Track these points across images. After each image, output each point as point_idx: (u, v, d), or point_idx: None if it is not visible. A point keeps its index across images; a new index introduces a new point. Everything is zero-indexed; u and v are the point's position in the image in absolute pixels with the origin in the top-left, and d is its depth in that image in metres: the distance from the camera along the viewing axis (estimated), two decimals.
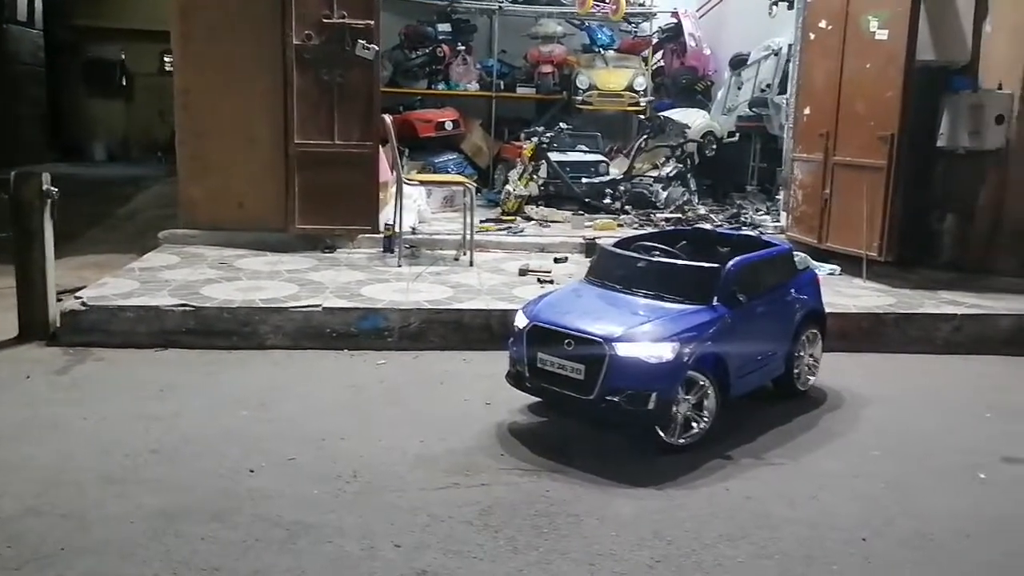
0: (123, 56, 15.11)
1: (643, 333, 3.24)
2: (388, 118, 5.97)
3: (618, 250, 3.82)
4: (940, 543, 2.74)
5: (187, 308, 4.46)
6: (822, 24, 6.05)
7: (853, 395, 4.02)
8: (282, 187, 5.91)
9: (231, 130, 5.93)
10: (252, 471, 3.06)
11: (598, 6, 9.29)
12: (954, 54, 5.78)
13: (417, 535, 2.67)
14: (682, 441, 3.30)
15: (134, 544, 2.57)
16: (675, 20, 9.69)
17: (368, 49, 5.75)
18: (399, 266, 5.61)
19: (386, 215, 6.16)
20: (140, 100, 15.00)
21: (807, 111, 6.29)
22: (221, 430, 3.42)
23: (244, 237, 5.94)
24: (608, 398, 3.19)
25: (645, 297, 3.50)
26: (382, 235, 6.04)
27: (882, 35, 5.45)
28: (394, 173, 5.92)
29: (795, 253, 4.09)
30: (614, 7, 9.21)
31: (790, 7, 7.38)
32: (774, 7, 7.97)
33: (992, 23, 5.72)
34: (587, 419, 3.47)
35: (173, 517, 2.73)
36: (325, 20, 5.70)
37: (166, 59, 12.25)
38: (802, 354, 3.91)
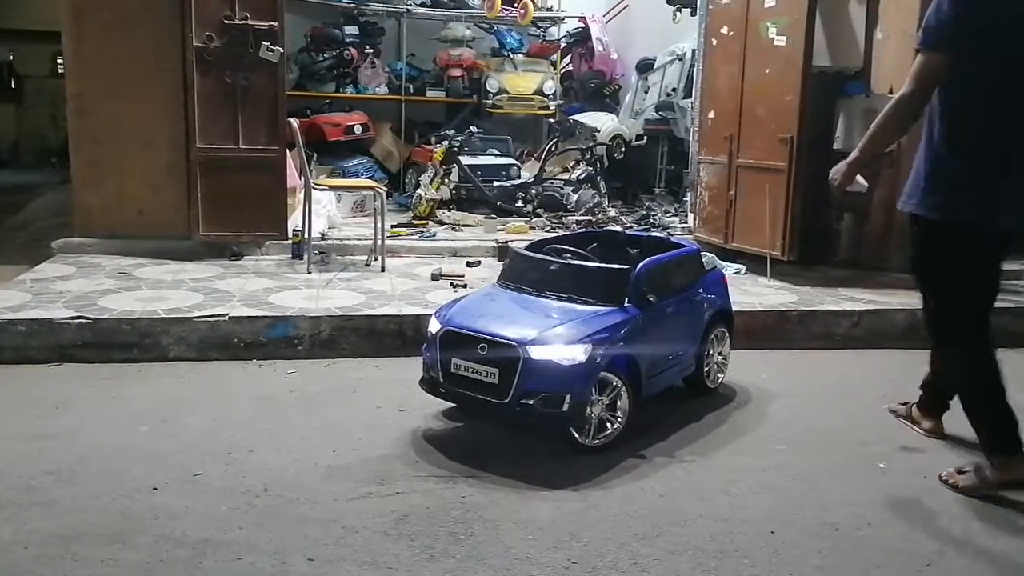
0: (11, 57, 14.43)
1: (556, 336, 3.25)
2: (295, 122, 5.85)
3: (530, 253, 3.82)
4: (844, 532, 2.83)
5: (83, 320, 4.26)
6: (724, 30, 6.22)
7: (760, 391, 4.13)
8: (184, 193, 5.73)
9: (129, 134, 5.72)
10: (155, 489, 2.94)
11: (506, 10, 9.34)
12: (847, 60, 6.01)
13: (331, 548, 2.61)
14: (597, 442, 3.32)
15: (28, 571, 2.43)
16: (582, 25, 9.82)
17: (272, 51, 5.62)
18: (309, 272, 5.50)
19: (295, 221, 6.04)
20: (31, 104, 14.36)
21: (711, 115, 6.44)
22: (121, 447, 3.28)
23: (145, 245, 5.73)
24: (523, 401, 3.19)
25: (558, 300, 3.51)
26: (291, 241, 5.92)
27: (780, 41, 5.63)
28: (302, 178, 5.80)
29: (703, 253, 4.18)
30: (522, 12, 9.27)
31: (693, 13, 7.56)
32: (677, 13, 8.16)
33: (882, 30, 5.97)
34: (502, 423, 3.46)
35: (71, 540, 2.59)
36: (227, 21, 5.55)
37: (58, 61, 11.74)
38: (711, 352, 4.00)
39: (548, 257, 3.76)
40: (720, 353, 4.08)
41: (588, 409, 3.26)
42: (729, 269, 5.57)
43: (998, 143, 3.02)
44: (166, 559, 2.52)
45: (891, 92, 5.93)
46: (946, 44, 2.93)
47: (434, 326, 3.47)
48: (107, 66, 5.66)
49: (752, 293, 5.35)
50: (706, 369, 3.97)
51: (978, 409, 3.17)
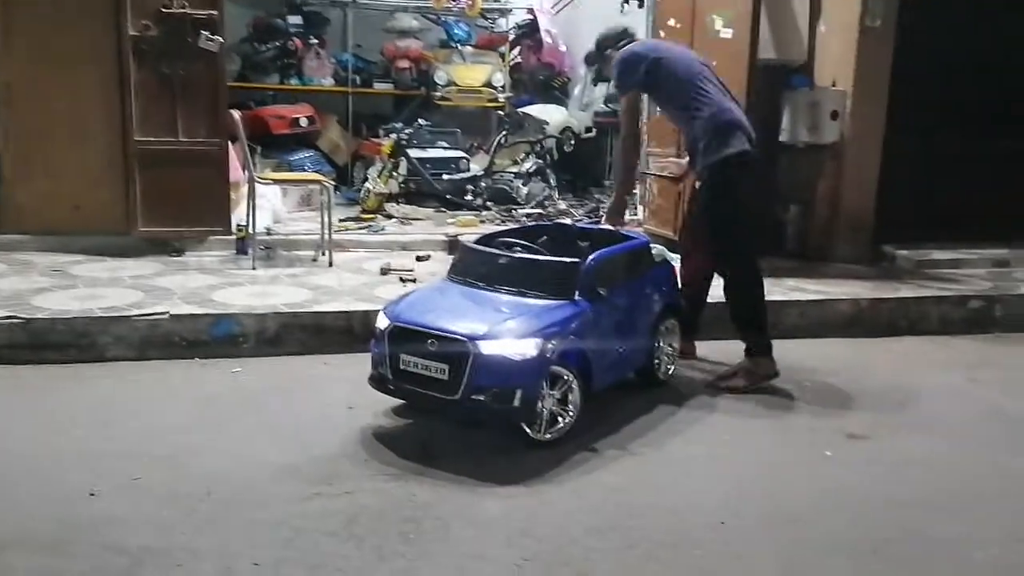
0: None
1: (507, 330, 3.22)
2: (237, 114, 5.72)
3: (479, 247, 3.78)
4: (793, 519, 2.85)
5: (15, 320, 4.10)
6: (671, 22, 6.23)
7: (710, 382, 4.15)
8: (122, 188, 5.56)
9: (63, 127, 5.52)
10: (92, 495, 2.84)
11: (454, 1, 9.25)
12: (792, 53, 6.06)
13: (278, 551, 2.54)
14: (548, 436, 3.30)
15: None
16: (531, 16, 9.79)
17: (212, 41, 5.48)
18: (253, 268, 5.38)
19: (238, 216, 5.90)
20: None
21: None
22: (57, 452, 3.16)
23: (81, 242, 5.54)
24: (473, 397, 3.15)
25: (508, 294, 3.48)
26: (234, 237, 5.78)
27: (727, 34, 5.66)
28: (245, 172, 5.67)
29: (652, 246, 4.18)
30: (470, 3, 9.20)
31: (640, 5, 7.57)
32: (625, 5, 8.14)
33: (825, 23, 6.04)
34: (453, 419, 3.42)
35: (3, 549, 2.49)
36: (164, 10, 5.38)
37: None
38: (662, 344, 4.00)
39: (498, 251, 3.72)
40: (671, 345, 4.09)
41: (539, 403, 3.23)
42: (679, 260, 5.58)
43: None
44: (103, 568, 2.43)
45: (834, 84, 6.02)
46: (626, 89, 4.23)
47: (382, 322, 3.41)
48: (39, 57, 5.45)
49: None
50: (657, 361, 3.97)
51: (754, 319, 4.07)
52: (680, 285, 4.23)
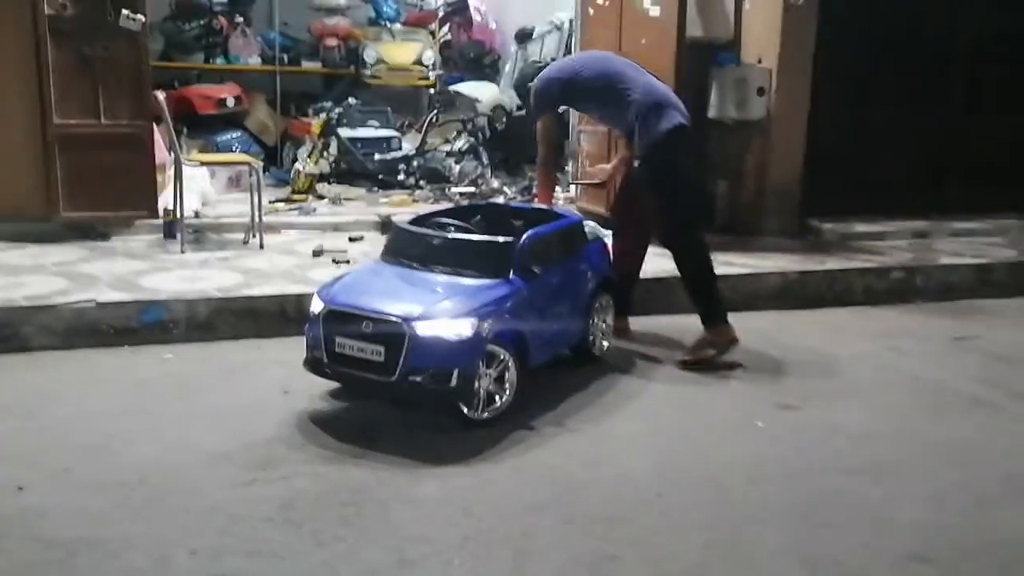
0: None
1: (442, 310, 3.22)
2: (162, 95, 5.57)
3: (413, 228, 3.77)
4: (727, 489, 2.94)
5: None
6: (600, 1, 6.26)
7: (644, 357, 4.23)
8: (42, 171, 5.38)
9: None
10: (21, 488, 2.77)
11: None
12: (718, 31, 6.15)
13: (214, 539, 2.52)
14: (486, 415, 3.32)
15: None
16: None
17: (133, 19, 5.31)
18: (182, 252, 5.27)
19: (165, 199, 5.77)
20: None
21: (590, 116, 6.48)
22: None
23: (1, 228, 5.35)
24: (410, 378, 3.15)
25: (442, 274, 3.48)
26: (162, 220, 5.65)
27: (655, 12, 5.71)
28: (171, 154, 5.54)
29: (585, 223, 4.22)
30: None
31: None
32: None
33: (750, 2, 6.14)
34: (390, 401, 3.42)
35: None
36: None
37: None
38: (596, 321, 4.06)
39: (431, 231, 3.71)
40: (605, 321, 4.15)
41: (476, 383, 3.25)
42: (611, 238, 5.64)
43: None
44: (35, 562, 2.39)
45: (760, 62, 6.14)
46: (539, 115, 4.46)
47: (316, 305, 3.39)
48: None
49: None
50: (592, 337, 4.02)
51: (705, 288, 4.20)
52: (613, 262, 4.29)
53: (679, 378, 4.00)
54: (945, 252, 6.05)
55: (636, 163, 4.25)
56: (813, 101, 6.18)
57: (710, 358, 4.13)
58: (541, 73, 4.47)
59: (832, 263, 5.61)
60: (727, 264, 5.42)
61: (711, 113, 6.19)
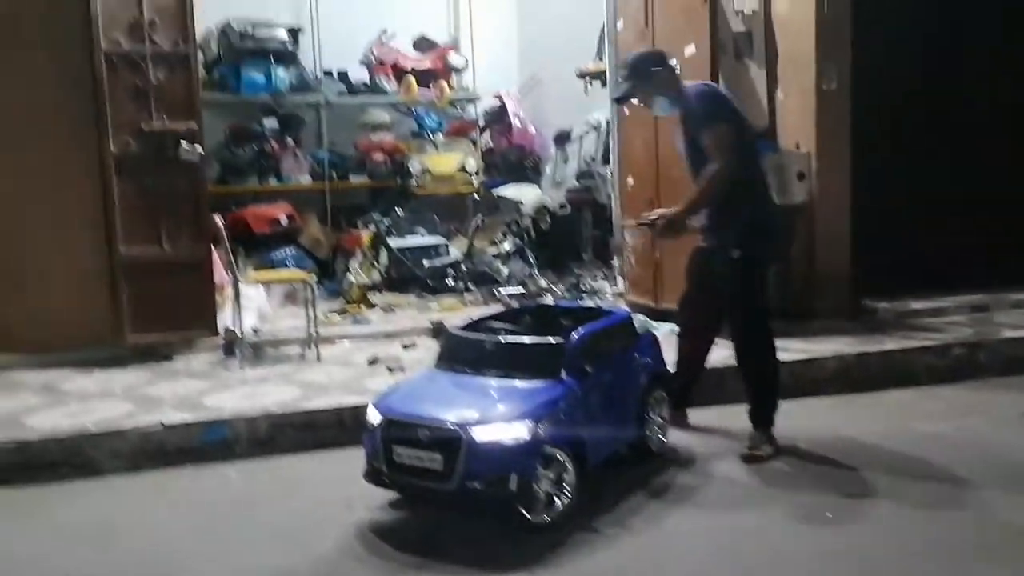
0: None
1: (497, 415, 3.25)
2: (219, 218, 5.81)
3: (464, 333, 3.84)
4: None
5: (7, 444, 4.09)
6: (635, 102, 6.42)
7: (702, 450, 4.17)
8: (110, 299, 5.61)
9: (49, 243, 5.58)
10: None
11: (423, 93, 9.52)
12: (754, 120, 6.25)
13: None
14: (547, 519, 3.29)
15: None
16: (499, 102, 10.06)
17: (192, 151, 5.61)
18: (242, 369, 5.41)
19: (225, 318, 5.95)
20: None
21: (630, 180, 6.63)
22: (52, 573, 3.13)
23: (71, 356, 5.56)
24: (469, 484, 3.16)
25: (495, 378, 3.52)
26: (222, 339, 5.82)
27: None
28: (230, 274, 5.75)
29: (634, 316, 4.26)
30: (438, 93, 9.48)
31: (603, 85, 7.82)
32: (588, 86, 8.42)
33: (782, 90, 6.26)
34: (450, 508, 3.42)
35: None
36: (144, 127, 5.53)
37: None
38: (652, 416, 4.03)
39: (482, 336, 3.78)
40: (661, 416, 4.12)
41: (535, 486, 3.24)
42: (661, 330, 5.65)
43: None
44: None
45: (798, 147, 6.21)
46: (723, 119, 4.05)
47: (373, 415, 3.44)
48: (25, 178, 5.54)
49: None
50: (648, 433, 4.00)
51: (770, 386, 4.13)
52: (680, 357, 4.30)
53: (740, 471, 3.93)
54: (1007, 325, 5.91)
55: (734, 252, 4.01)
56: (856, 179, 6.20)
57: (770, 456, 4.04)
58: (707, 87, 4.27)
59: (890, 343, 5.52)
60: (783, 350, 5.30)
61: None
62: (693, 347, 4.41)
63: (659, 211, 4.14)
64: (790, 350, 5.33)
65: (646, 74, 4.14)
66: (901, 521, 3.32)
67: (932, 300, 6.44)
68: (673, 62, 4.30)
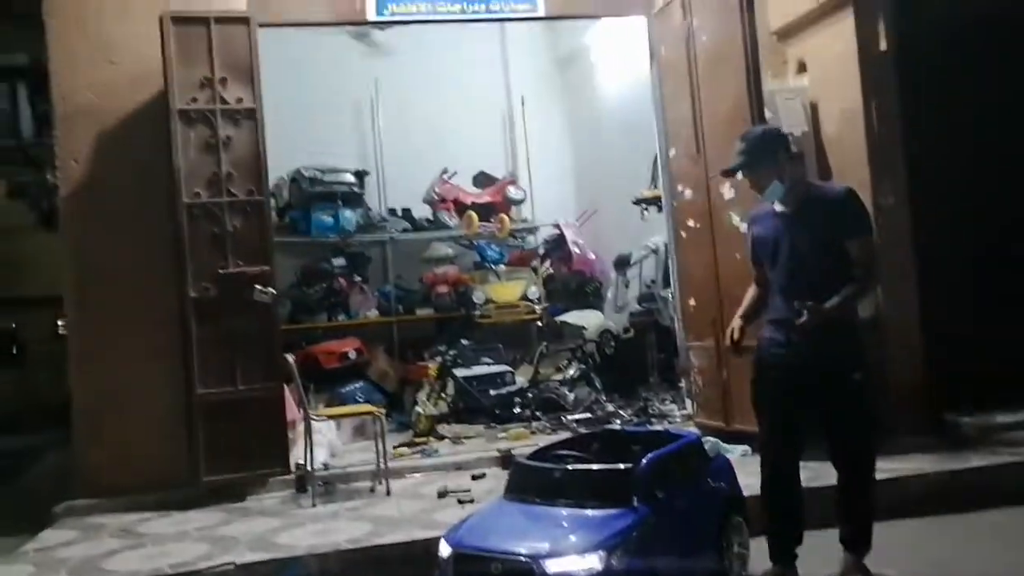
0: (14, 325, 14.81)
1: (570, 545, 3.21)
2: (291, 357, 5.99)
3: (532, 462, 3.84)
4: None
5: None
6: (691, 223, 6.54)
7: None
8: (186, 439, 5.75)
9: (130, 389, 5.82)
10: None
11: (484, 226, 9.81)
12: None
13: None
14: None
15: None
16: (557, 231, 10.30)
17: (265, 293, 5.85)
18: (314, 506, 5.43)
19: (296, 454, 6.03)
20: (33, 367, 14.58)
21: (692, 301, 6.64)
22: None
23: (149, 498, 5.67)
24: None
25: (566, 507, 3.49)
26: (294, 475, 5.88)
27: (745, 228, 5.90)
28: (301, 410, 5.87)
29: (705, 439, 4.19)
30: (499, 226, 9.76)
31: (659, 210, 7.97)
32: (645, 212, 8.59)
33: None
34: None
35: None
36: (221, 271, 5.80)
37: (60, 323, 12.06)
38: (730, 543, 3.90)
39: (550, 464, 3.76)
40: (739, 543, 3.98)
41: None
42: (734, 452, 5.53)
43: None
44: None
45: None
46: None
47: (444, 549, 3.42)
48: (107, 323, 5.86)
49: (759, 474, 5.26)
50: (727, 562, 3.86)
51: (871, 508, 3.88)
52: (777, 510, 3.95)
53: None
54: None
55: (856, 375, 3.79)
56: (925, 289, 6.11)
57: None
58: (855, 192, 3.93)
59: (977, 460, 5.28)
60: None
61: None
62: (790, 493, 3.96)
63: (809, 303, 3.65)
64: None
65: (769, 154, 3.81)
66: None
67: (1018, 413, 6.19)
68: (795, 149, 4.07)
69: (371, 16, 6.65)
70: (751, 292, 4.18)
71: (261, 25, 6.05)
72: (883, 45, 6.15)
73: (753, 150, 3.83)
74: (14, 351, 14.75)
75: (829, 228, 3.79)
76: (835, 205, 3.83)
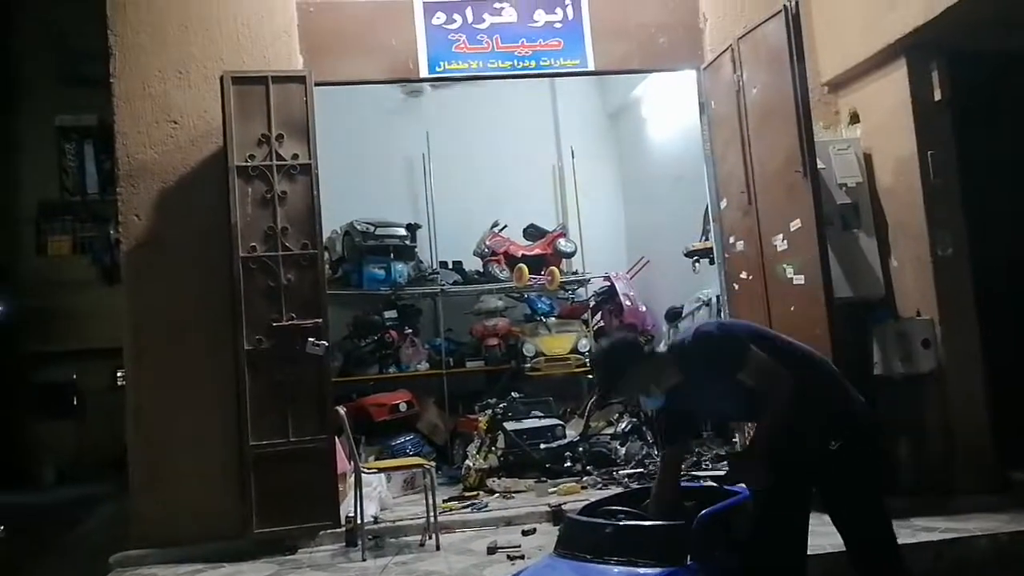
0: (74, 376, 15.17)
1: None
2: (342, 409, 6.02)
3: (583, 518, 3.77)
4: None
5: None
6: (743, 275, 6.48)
7: None
8: (238, 491, 5.78)
9: (184, 441, 5.90)
10: None
11: (534, 279, 9.83)
12: (868, 289, 6.18)
13: None
14: None
15: None
16: (608, 283, 10.26)
17: (318, 346, 5.90)
18: (363, 560, 5.41)
19: (346, 507, 6.03)
20: (92, 418, 14.87)
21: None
22: None
23: (201, 550, 5.70)
24: None
25: (618, 564, 3.41)
26: (344, 528, 5.87)
27: (799, 280, 5.82)
28: (351, 463, 5.87)
29: None
30: (549, 278, 9.76)
31: (711, 263, 7.90)
32: (696, 264, 8.53)
33: (896, 259, 6.19)
34: None
35: None
36: (274, 323, 5.89)
37: (118, 374, 12.32)
38: None
39: (602, 520, 3.69)
40: None
41: None
42: None
43: None
44: None
45: (919, 314, 6.04)
46: None
47: None
48: (165, 375, 5.97)
49: (818, 533, 5.06)
50: None
51: None
52: None
53: None
54: None
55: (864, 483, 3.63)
56: (987, 341, 5.94)
57: None
58: (703, 329, 3.66)
59: None
60: (925, 529, 5.03)
61: (877, 370, 6.04)
62: None
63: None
64: (933, 530, 4.99)
65: (617, 373, 3.59)
66: None
67: None
68: (652, 347, 3.79)
69: (424, 73, 6.77)
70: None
71: (317, 84, 6.21)
72: (937, 95, 6.09)
73: (605, 376, 3.66)
74: (74, 402, 15.06)
75: (714, 379, 3.55)
76: (702, 374, 3.56)
